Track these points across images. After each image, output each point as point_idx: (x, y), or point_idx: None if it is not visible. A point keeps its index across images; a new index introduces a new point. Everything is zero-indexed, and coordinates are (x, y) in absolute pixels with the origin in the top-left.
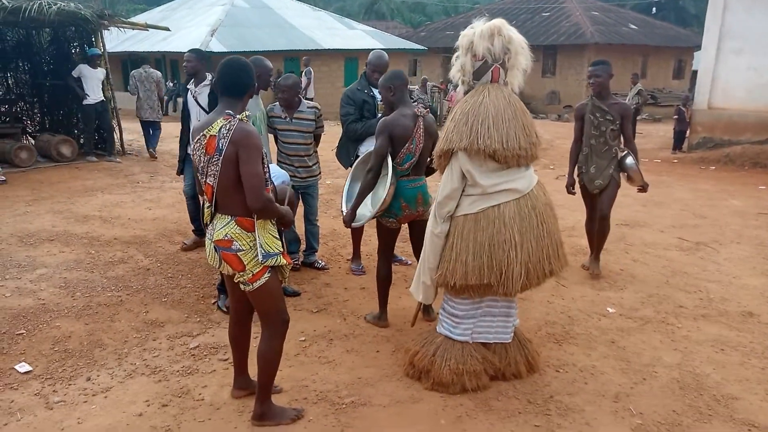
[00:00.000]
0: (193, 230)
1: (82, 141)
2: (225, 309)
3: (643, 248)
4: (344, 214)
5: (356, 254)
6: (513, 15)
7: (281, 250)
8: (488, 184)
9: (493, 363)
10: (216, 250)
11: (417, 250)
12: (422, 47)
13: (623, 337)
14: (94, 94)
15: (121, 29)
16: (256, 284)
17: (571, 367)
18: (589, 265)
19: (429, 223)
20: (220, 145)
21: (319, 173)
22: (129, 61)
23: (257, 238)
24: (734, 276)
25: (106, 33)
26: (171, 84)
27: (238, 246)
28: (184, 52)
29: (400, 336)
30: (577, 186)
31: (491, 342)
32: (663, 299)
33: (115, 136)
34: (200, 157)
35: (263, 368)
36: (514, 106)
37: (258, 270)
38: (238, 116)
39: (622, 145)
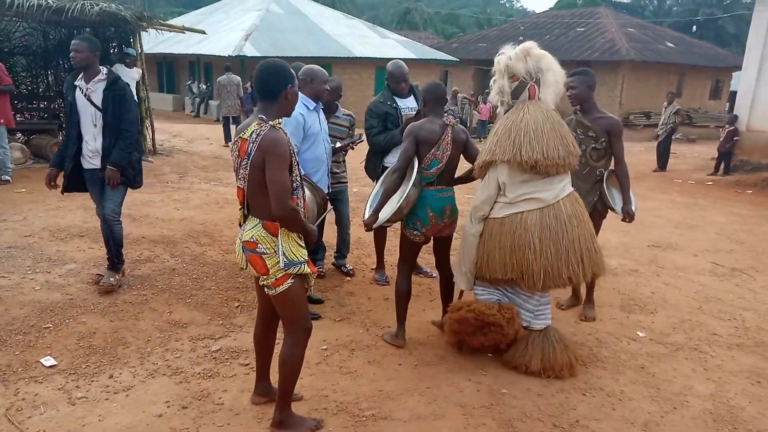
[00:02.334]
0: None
1: None
2: None
3: (675, 271)
4: (365, 217)
5: (380, 264)
6: (547, 29)
7: (306, 258)
8: (513, 195)
9: (513, 318)
10: (243, 251)
11: (440, 265)
12: (454, 58)
13: (653, 363)
14: None
15: (159, 31)
16: (279, 289)
17: (599, 391)
18: (564, 304)
19: (465, 224)
20: (249, 149)
21: (346, 181)
22: (164, 63)
23: (279, 245)
24: None
25: (144, 34)
26: (204, 86)
27: (262, 249)
28: (219, 56)
29: (423, 349)
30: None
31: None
32: (696, 326)
33: (148, 136)
34: (235, 158)
35: (284, 374)
36: (552, 120)
37: (281, 275)
38: (270, 122)
39: (611, 167)
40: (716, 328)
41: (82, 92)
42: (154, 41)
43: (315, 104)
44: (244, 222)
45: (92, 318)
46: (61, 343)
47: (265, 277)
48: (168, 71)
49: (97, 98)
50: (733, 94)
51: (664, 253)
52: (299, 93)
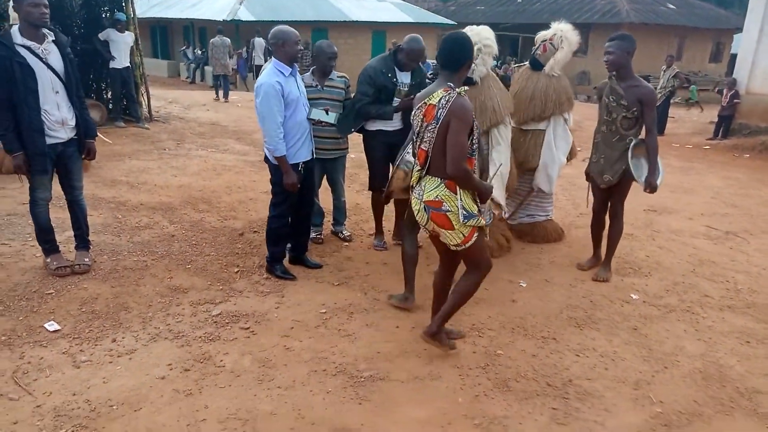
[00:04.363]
0: (46, 249)
1: (110, 106)
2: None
3: (670, 235)
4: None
5: (379, 230)
6: None
7: (479, 212)
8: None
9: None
10: (426, 210)
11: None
12: (451, 22)
13: (646, 325)
14: (119, 59)
15: None
16: (468, 245)
17: (592, 351)
18: (585, 264)
19: (504, 168)
20: (438, 114)
21: (347, 147)
22: (158, 28)
23: (459, 200)
24: (764, 267)
25: None
26: (199, 52)
27: (447, 207)
28: (213, 20)
29: (421, 312)
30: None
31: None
32: (688, 288)
33: (144, 103)
34: (419, 123)
35: (456, 298)
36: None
37: (467, 232)
38: (457, 90)
39: (642, 136)
40: (709, 290)
41: (36, 55)
42: (146, 5)
43: (290, 69)
44: (419, 182)
45: (94, 284)
46: (64, 309)
47: (450, 233)
48: (162, 36)
49: (56, 62)
50: (734, 56)
51: (659, 217)
52: (273, 59)
